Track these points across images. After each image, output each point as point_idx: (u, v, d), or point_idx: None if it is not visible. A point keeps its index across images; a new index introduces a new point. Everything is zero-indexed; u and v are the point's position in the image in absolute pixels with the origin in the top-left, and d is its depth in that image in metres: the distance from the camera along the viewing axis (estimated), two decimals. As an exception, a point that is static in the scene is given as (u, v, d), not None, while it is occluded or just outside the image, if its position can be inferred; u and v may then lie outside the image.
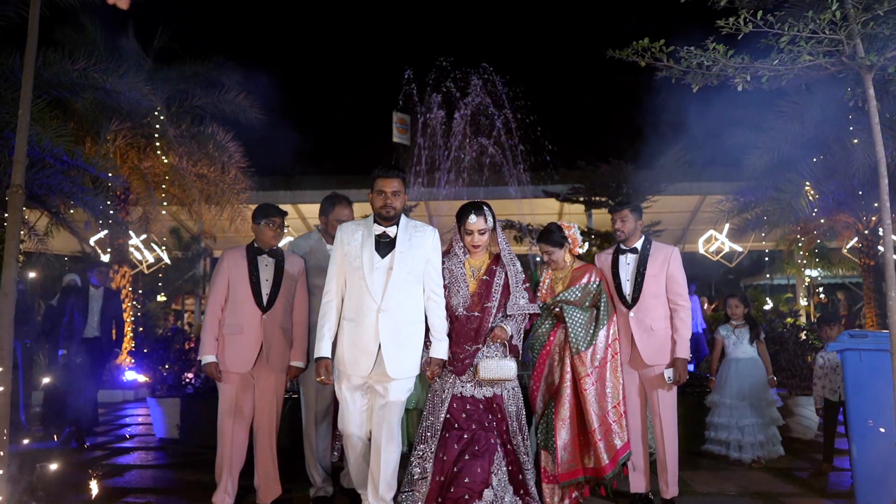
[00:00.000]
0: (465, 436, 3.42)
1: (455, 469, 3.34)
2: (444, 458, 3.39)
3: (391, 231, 3.33)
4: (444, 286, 3.55)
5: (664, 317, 3.85)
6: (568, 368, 3.74)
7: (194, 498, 4.14)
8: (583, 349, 3.70)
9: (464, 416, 3.47)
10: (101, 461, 5.37)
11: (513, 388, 3.59)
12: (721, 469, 4.81)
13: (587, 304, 3.85)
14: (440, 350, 3.45)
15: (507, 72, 11.70)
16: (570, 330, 3.73)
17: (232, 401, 3.74)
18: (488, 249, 3.71)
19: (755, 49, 3.24)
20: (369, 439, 3.37)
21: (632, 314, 3.83)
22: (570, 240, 3.96)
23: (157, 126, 9.62)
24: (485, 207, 3.61)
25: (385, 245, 3.32)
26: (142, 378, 9.56)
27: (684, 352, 3.81)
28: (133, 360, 10.00)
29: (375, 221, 3.35)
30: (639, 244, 3.97)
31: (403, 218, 3.40)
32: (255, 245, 3.91)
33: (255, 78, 10.87)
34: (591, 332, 3.74)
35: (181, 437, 6.12)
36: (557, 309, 3.80)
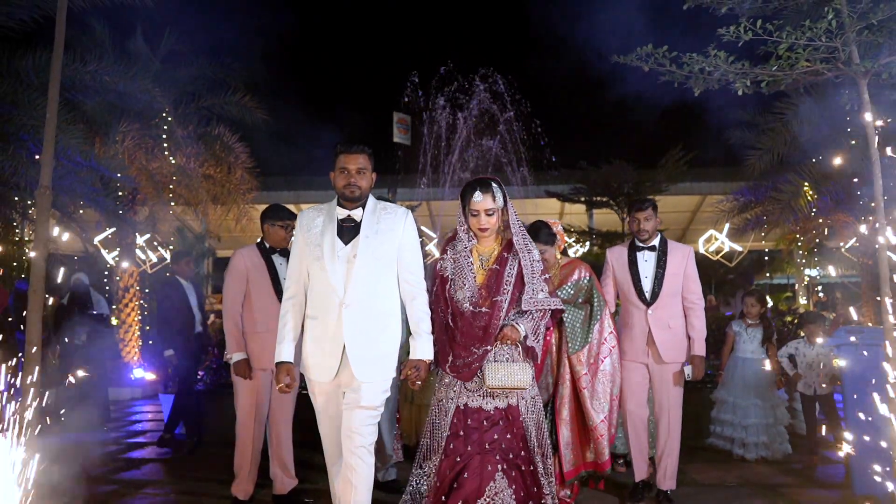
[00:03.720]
0: (458, 459, 2.97)
1: (443, 499, 2.95)
2: (438, 484, 2.99)
3: (356, 214, 2.94)
4: (449, 278, 3.16)
5: (680, 314, 3.91)
6: (567, 368, 3.70)
7: (213, 489, 4.27)
8: (579, 348, 3.67)
9: (461, 433, 3.00)
10: (117, 455, 5.50)
11: (532, 398, 3.13)
12: (722, 462, 4.93)
13: (580, 300, 3.83)
14: (422, 349, 2.94)
15: (510, 73, 11.87)
16: (567, 330, 3.68)
17: (254, 396, 3.86)
18: (499, 234, 3.24)
19: (755, 54, 3.37)
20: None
21: (650, 311, 3.86)
22: (558, 236, 3.92)
23: (165, 127, 9.74)
24: (493, 184, 3.14)
25: (349, 230, 2.92)
26: (150, 376, 9.72)
27: (701, 349, 3.89)
28: (140, 358, 10.16)
29: (339, 204, 2.97)
30: (656, 242, 3.98)
31: (371, 199, 3.00)
32: (267, 245, 4.04)
33: (260, 78, 11.00)
34: (587, 330, 3.71)
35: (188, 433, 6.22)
36: None
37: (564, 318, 3.69)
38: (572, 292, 3.83)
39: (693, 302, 3.93)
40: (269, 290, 3.89)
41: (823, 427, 4.98)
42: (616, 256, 4.08)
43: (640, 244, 3.99)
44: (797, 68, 3.21)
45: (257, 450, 3.90)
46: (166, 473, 4.87)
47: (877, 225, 3.33)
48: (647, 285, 3.91)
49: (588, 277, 3.85)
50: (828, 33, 2.99)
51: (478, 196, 3.10)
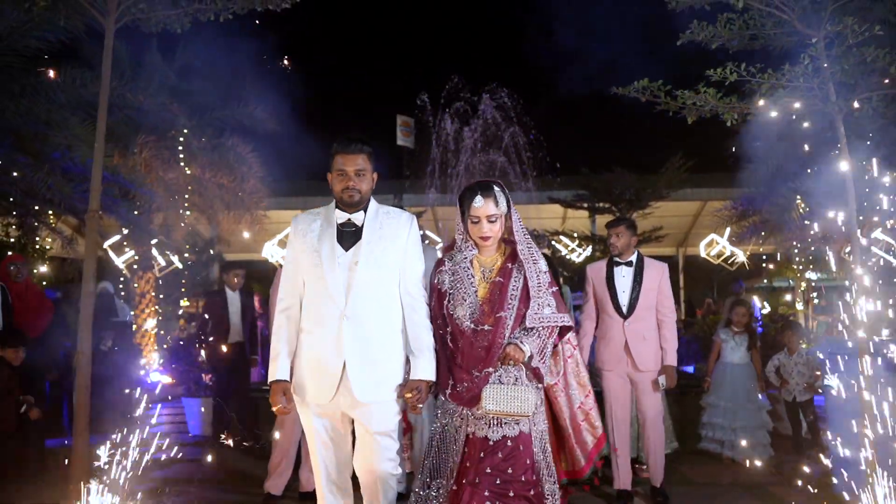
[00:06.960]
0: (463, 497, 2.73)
1: None
2: None
3: (357, 218, 2.74)
4: (447, 292, 2.86)
5: (654, 327, 4.22)
6: None
7: (245, 486, 4.61)
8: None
9: (468, 464, 2.74)
10: (144, 456, 5.80)
11: (541, 432, 2.86)
12: (714, 463, 5.23)
13: None
14: (423, 368, 2.71)
15: (514, 80, 12.18)
16: None
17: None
18: (502, 243, 2.95)
19: (741, 89, 3.70)
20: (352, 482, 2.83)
21: (627, 323, 4.18)
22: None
23: (181, 139, 10.08)
24: (495, 187, 2.85)
25: (350, 235, 2.73)
26: (166, 379, 10.04)
27: (673, 359, 4.20)
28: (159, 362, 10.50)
29: (338, 207, 2.77)
30: (633, 258, 4.29)
31: (373, 203, 2.80)
32: None
33: (270, 88, 11.35)
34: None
35: (215, 433, 6.53)
36: None
37: None
38: None
39: (665, 315, 4.23)
40: None
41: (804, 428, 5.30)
42: (595, 272, 4.36)
43: (618, 260, 4.28)
44: (780, 103, 3.53)
45: (293, 450, 4.25)
46: (196, 473, 5.16)
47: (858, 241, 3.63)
48: (623, 299, 4.21)
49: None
50: (805, 76, 3.31)
51: (478, 201, 2.82)
